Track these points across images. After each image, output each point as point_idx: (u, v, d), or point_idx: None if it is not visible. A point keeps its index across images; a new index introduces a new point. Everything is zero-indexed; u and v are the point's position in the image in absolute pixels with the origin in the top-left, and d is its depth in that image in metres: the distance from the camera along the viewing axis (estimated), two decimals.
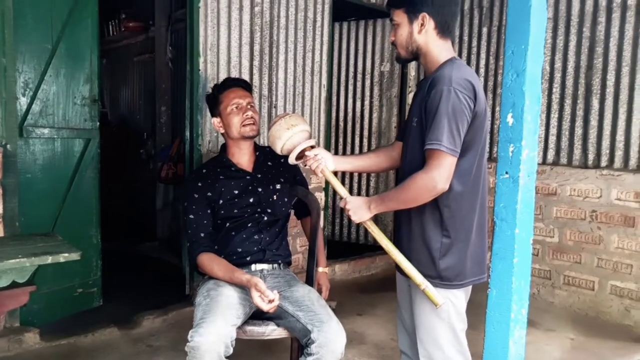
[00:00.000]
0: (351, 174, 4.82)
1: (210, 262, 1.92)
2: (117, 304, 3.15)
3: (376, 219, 1.73)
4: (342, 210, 1.73)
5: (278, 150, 1.77)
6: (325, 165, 1.71)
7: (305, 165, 1.76)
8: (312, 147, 1.76)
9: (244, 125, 2.03)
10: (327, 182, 1.88)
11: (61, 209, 2.80)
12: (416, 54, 1.62)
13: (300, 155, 1.76)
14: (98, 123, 2.98)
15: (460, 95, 1.47)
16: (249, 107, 2.06)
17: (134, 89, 5.96)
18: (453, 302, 1.61)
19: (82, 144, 2.90)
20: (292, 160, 1.76)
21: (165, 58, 4.87)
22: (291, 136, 1.73)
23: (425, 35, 1.58)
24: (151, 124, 5.36)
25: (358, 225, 1.72)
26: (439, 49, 1.59)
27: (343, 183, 4.80)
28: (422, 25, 1.57)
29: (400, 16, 1.60)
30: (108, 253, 3.45)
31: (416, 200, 1.54)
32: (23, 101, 2.61)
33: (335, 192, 2.03)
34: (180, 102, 4.44)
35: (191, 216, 1.98)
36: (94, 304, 3.07)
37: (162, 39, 4.91)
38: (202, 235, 1.97)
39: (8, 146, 2.47)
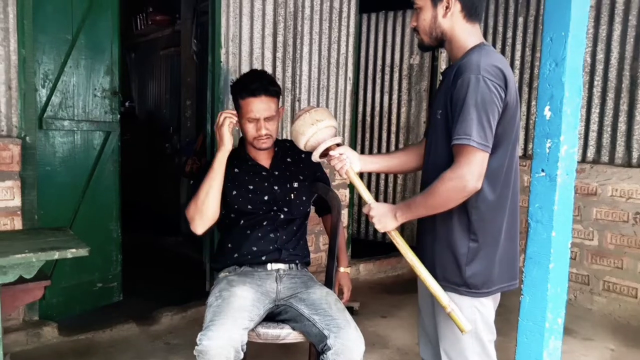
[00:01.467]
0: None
1: (194, 196, 1.84)
2: (137, 299, 3.13)
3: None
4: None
5: (301, 147, 1.65)
6: (350, 166, 1.58)
7: (330, 165, 1.63)
8: (338, 144, 1.63)
9: (257, 139, 1.91)
10: None
11: (81, 202, 2.78)
12: (441, 40, 1.48)
13: (325, 153, 1.64)
14: (118, 116, 2.95)
15: (489, 83, 1.33)
16: (266, 120, 1.89)
17: (161, 82, 5.98)
18: (480, 311, 1.48)
19: (102, 136, 2.87)
20: (315, 158, 1.64)
21: (190, 51, 4.85)
22: (315, 132, 1.60)
23: (450, 19, 1.44)
24: (177, 118, 5.36)
25: None
26: (466, 34, 1.45)
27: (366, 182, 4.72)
28: (447, 8, 1.43)
29: None
30: (131, 247, 3.44)
31: (446, 204, 1.39)
32: (42, 93, 2.59)
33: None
34: (204, 96, 4.42)
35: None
36: (113, 299, 3.04)
37: (187, 32, 4.89)
38: None
39: (27, 138, 2.45)
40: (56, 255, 1.56)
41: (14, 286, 1.76)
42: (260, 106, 1.88)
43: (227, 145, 1.81)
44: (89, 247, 1.62)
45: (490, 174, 1.40)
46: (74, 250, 1.57)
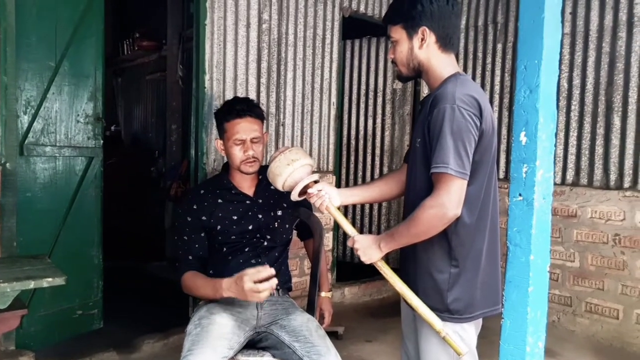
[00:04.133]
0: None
1: (194, 278, 1.82)
2: (118, 326, 3.07)
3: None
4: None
5: (279, 188, 1.67)
6: (329, 201, 1.60)
7: (311, 202, 1.65)
8: (316, 181, 1.65)
9: (244, 163, 1.92)
10: None
11: (61, 229, 2.75)
12: (418, 71, 1.53)
13: (304, 191, 1.65)
14: (101, 141, 2.94)
15: (464, 112, 1.37)
16: (252, 142, 1.91)
17: (147, 107, 6.00)
18: (462, 336, 1.49)
19: (84, 162, 2.86)
20: (294, 197, 1.65)
21: (176, 76, 4.88)
22: (292, 172, 1.62)
23: (426, 50, 1.49)
24: (162, 142, 5.36)
25: None
26: (442, 64, 1.50)
27: (346, 213, 4.72)
28: (422, 39, 1.48)
29: (398, 32, 1.51)
30: (115, 271, 3.39)
31: (428, 231, 1.41)
32: (25, 119, 2.59)
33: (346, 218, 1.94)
34: (189, 120, 4.44)
35: (185, 237, 1.90)
36: (93, 327, 2.99)
37: (173, 57, 4.93)
38: (191, 258, 1.88)
39: (7, 165, 2.43)
40: (31, 284, 1.53)
41: None
42: (246, 126, 1.91)
43: (241, 298, 1.66)
44: (65, 275, 1.60)
45: (469, 200, 1.43)
46: (50, 279, 1.56)
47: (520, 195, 1.65)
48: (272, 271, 1.61)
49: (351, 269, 4.33)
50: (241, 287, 1.60)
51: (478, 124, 1.40)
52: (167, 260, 4.78)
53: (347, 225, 1.59)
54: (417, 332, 1.57)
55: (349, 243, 1.56)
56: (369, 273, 4.17)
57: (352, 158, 4.78)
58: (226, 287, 1.66)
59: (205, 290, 1.77)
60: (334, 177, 3.78)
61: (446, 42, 1.49)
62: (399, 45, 1.52)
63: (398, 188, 1.71)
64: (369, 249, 1.51)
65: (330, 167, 3.76)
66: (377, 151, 4.66)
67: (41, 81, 2.64)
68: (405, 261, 1.57)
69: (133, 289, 3.96)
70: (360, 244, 1.52)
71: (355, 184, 4.72)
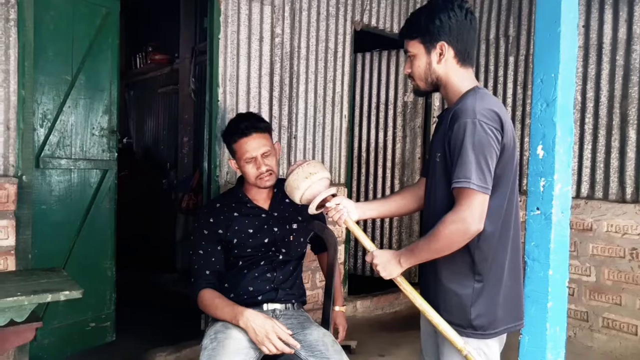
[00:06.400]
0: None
1: (213, 298, 1.82)
2: (130, 339, 3.07)
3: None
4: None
5: (297, 201, 1.66)
6: (347, 215, 1.59)
7: (327, 216, 1.65)
8: (334, 195, 1.65)
9: (259, 178, 1.92)
10: None
11: (75, 241, 2.76)
12: (436, 85, 1.52)
13: (322, 204, 1.65)
14: (116, 154, 2.97)
15: (485, 127, 1.36)
16: (264, 157, 1.91)
17: (159, 119, 6.04)
18: (486, 353, 1.46)
19: (99, 174, 2.88)
20: (312, 210, 1.65)
21: (188, 89, 4.92)
22: (310, 185, 1.62)
23: (445, 64, 1.48)
24: (174, 155, 5.40)
25: None
26: (461, 78, 1.49)
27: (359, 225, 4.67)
28: (441, 54, 1.47)
29: (416, 47, 1.50)
30: (126, 284, 3.39)
31: (450, 247, 1.40)
32: (41, 132, 2.61)
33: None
34: (201, 133, 4.46)
35: (200, 252, 1.90)
36: (106, 339, 2.98)
37: (185, 70, 4.97)
38: (208, 272, 1.88)
39: (24, 177, 2.45)
40: (49, 298, 1.54)
41: (4, 328, 1.73)
42: (253, 144, 1.90)
43: (250, 330, 1.71)
44: (82, 288, 1.60)
45: (491, 214, 1.41)
46: (67, 292, 1.56)
47: (538, 209, 1.63)
48: (298, 346, 1.69)
49: (363, 282, 4.31)
50: (264, 325, 1.67)
51: (499, 137, 1.39)
52: (178, 273, 4.78)
53: (365, 240, 1.57)
54: (439, 348, 1.54)
55: (368, 258, 1.55)
56: (381, 286, 4.15)
57: (363, 170, 4.77)
58: (248, 315, 1.71)
59: (223, 312, 1.78)
60: (346, 189, 3.77)
61: (464, 57, 1.49)
62: (417, 59, 1.51)
63: (415, 202, 1.70)
64: (389, 265, 1.49)
65: (342, 180, 3.75)
66: (388, 164, 4.65)
67: (57, 95, 2.67)
68: (425, 276, 1.55)
69: (144, 301, 3.95)
70: (379, 260, 1.50)
71: (367, 196, 4.70)
